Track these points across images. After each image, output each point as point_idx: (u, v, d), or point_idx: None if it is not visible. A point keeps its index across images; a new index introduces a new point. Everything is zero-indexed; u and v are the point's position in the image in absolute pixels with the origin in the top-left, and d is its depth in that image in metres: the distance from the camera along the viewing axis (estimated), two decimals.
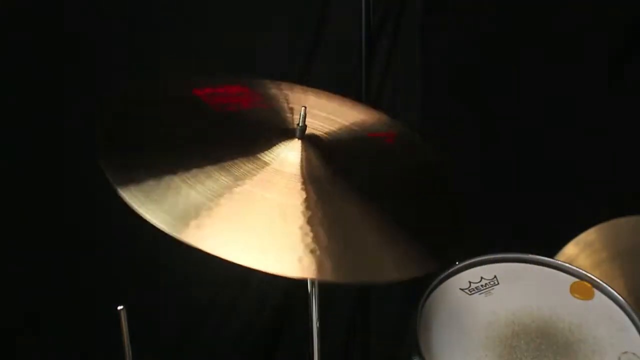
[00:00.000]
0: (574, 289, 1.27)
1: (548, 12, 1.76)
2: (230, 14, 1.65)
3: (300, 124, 1.07)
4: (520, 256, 1.34)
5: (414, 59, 1.74)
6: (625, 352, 1.16)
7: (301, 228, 0.93)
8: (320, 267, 0.89)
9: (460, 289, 1.28)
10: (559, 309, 1.23)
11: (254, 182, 0.98)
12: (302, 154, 1.05)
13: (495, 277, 1.30)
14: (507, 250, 1.34)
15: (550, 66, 1.81)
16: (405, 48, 1.73)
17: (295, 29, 1.69)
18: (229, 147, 1.04)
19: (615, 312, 1.23)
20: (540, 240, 1.73)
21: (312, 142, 1.08)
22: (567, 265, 1.31)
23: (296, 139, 1.07)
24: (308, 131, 1.09)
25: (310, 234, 0.93)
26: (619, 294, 1.25)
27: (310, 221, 0.95)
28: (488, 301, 1.25)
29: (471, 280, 1.29)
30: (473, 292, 1.27)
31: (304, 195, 0.99)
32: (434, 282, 1.27)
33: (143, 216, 0.89)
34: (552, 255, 1.40)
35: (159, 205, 0.91)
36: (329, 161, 1.07)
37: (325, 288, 1.11)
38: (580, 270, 1.30)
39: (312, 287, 1.10)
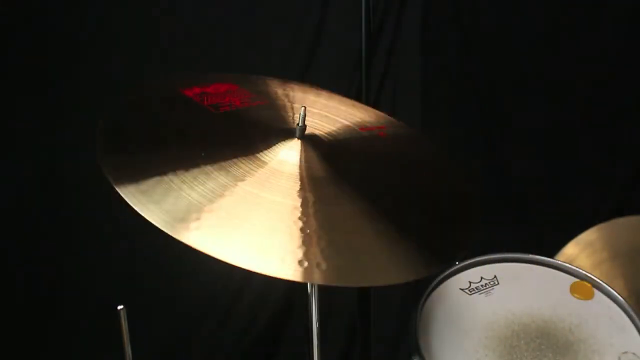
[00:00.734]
0: (574, 289, 1.27)
1: (548, 10, 1.76)
2: (231, 14, 1.65)
3: (299, 124, 1.07)
4: (520, 256, 1.33)
5: (414, 59, 1.74)
6: (625, 352, 1.16)
7: (300, 230, 0.93)
8: (319, 270, 0.89)
9: (460, 289, 1.28)
10: (559, 309, 1.23)
11: (253, 182, 0.98)
12: (301, 154, 1.05)
13: (495, 277, 1.30)
14: (507, 250, 1.34)
15: (551, 66, 1.81)
16: (405, 48, 1.73)
17: (296, 29, 1.69)
18: (227, 146, 1.04)
19: (615, 312, 1.23)
20: (540, 240, 1.74)
21: (311, 142, 1.08)
22: (567, 265, 1.31)
23: (296, 139, 1.07)
24: (307, 130, 1.09)
25: (310, 236, 0.92)
26: (619, 294, 1.25)
27: (309, 223, 0.94)
28: (488, 301, 1.25)
29: (471, 280, 1.29)
30: (473, 292, 1.27)
31: (303, 196, 0.98)
32: (434, 282, 1.27)
33: (144, 217, 0.89)
34: (552, 255, 1.40)
35: (159, 206, 0.90)
36: (328, 161, 1.06)
37: (325, 289, 1.10)
38: (580, 270, 1.30)
39: (311, 289, 1.10)
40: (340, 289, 1.72)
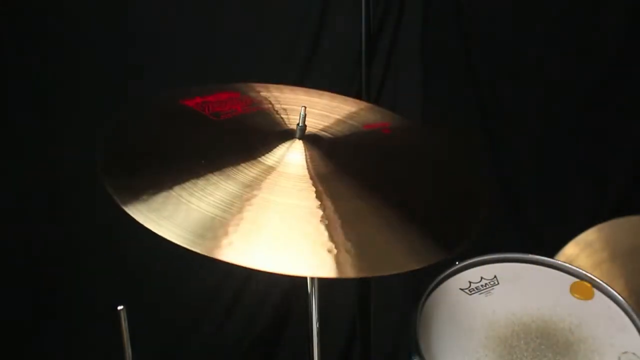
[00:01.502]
0: (574, 289, 1.27)
1: (548, 9, 1.76)
2: (231, 14, 1.65)
3: (300, 124, 1.07)
4: (520, 256, 1.33)
5: (414, 59, 1.74)
6: (625, 352, 1.16)
7: (319, 228, 0.93)
8: (353, 263, 0.89)
9: (460, 289, 1.28)
10: (559, 309, 1.23)
11: (266, 189, 0.98)
12: (305, 154, 1.05)
13: (495, 277, 1.30)
14: (507, 250, 1.34)
15: (551, 65, 1.81)
16: (405, 48, 1.73)
17: (296, 30, 1.69)
18: (230, 154, 1.03)
19: (615, 312, 1.23)
20: (540, 240, 1.74)
21: (312, 141, 1.08)
22: (567, 265, 1.31)
23: (296, 139, 1.07)
24: (310, 131, 1.09)
25: (329, 233, 0.93)
26: (619, 294, 1.25)
27: (325, 220, 0.94)
28: (488, 301, 1.25)
29: (471, 280, 1.29)
30: (473, 292, 1.27)
31: (316, 195, 0.98)
32: (434, 282, 1.27)
33: (165, 237, 0.88)
34: (552, 255, 1.40)
35: (174, 222, 0.90)
36: (331, 158, 1.06)
37: (325, 288, 1.11)
38: (580, 270, 1.30)
39: (312, 287, 1.10)
40: (340, 288, 1.72)
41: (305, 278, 1.10)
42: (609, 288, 1.26)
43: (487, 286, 1.28)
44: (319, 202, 0.97)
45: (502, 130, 1.85)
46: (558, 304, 1.24)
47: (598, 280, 1.27)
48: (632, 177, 1.92)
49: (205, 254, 0.88)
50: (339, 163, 1.06)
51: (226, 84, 1.23)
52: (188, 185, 0.96)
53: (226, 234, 0.90)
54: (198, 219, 0.92)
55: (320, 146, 1.08)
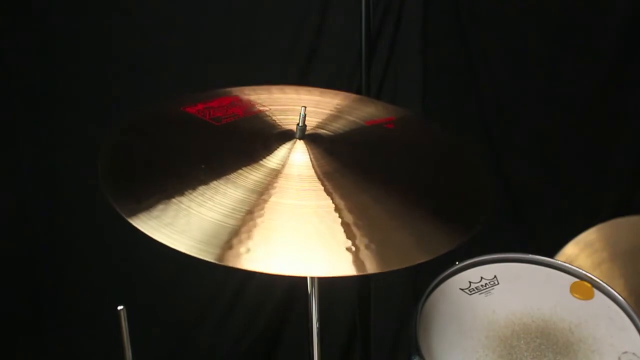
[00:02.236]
0: (574, 289, 1.27)
1: (549, 9, 1.76)
2: (231, 14, 1.65)
3: (300, 124, 1.07)
4: (520, 256, 1.33)
5: (414, 59, 1.74)
6: (625, 352, 1.16)
7: (333, 227, 0.93)
8: (364, 261, 0.89)
9: (460, 289, 1.28)
10: (559, 309, 1.23)
11: (274, 193, 0.97)
12: (309, 154, 1.05)
13: (495, 277, 1.30)
14: (507, 250, 1.34)
15: (551, 64, 1.81)
16: (405, 48, 1.73)
17: (296, 29, 1.69)
18: (230, 159, 1.03)
19: (615, 312, 1.23)
20: (540, 240, 1.74)
21: (314, 140, 1.08)
22: (567, 265, 1.31)
23: (297, 140, 1.06)
24: (312, 130, 1.09)
25: (345, 231, 0.92)
26: (619, 294, 1.25)
27: (339, 218, 0.94)
28: (488, 301, 1.25)
29: (471, 280, 1.29)
30: (473, 292, 1.27)
31: (325, 194, 0.98)
32: (434, 282, 1.27)
33: (175, 247, 0.88)
34: (552, 255, 1.40)
35: (174, 228, 0.90)
36: (335, 156, 1.06)
37: (325, 288, 1.11)
38: (580, 270, 1.30)
39: (312, 287, 1.10)
40: (340, 288, 1.72)
41: (306, 277, 1.10)
42: (609, 288, 1.26)
43: (487, 286, 1.28)
44: (330, 200, 0.97)
45: (502, 130, 1.85)
46: (558, 304, 1.24)
47: (598, 280, 1.27)
48: (632, 177, 1.92)
49: (224, 264, 0.87)
50: (343, 160, 1.06)
51: (227, 89, 1.22)
52: (195, 193, 0.95)
53: (241, 241, 0.89)
54: (209, 227, 0.91)
55: (323, 145, 1.07)
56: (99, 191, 0.95)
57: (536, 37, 1.78)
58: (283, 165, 1.02)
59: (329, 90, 1.27)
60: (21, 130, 1.61)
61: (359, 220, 0.94)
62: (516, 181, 1.89)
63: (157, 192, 0.95)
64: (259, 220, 0.92)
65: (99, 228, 1.63)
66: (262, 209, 0.94)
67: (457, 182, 1.11)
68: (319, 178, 1.01)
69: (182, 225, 0.91)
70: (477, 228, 0.99)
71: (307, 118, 1.07)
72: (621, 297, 1.24)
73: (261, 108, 1.17)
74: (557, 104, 1.85)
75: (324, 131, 1.13)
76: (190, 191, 0.95)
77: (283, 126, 1.12)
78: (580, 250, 1.57)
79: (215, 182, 0.97)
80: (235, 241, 0.89)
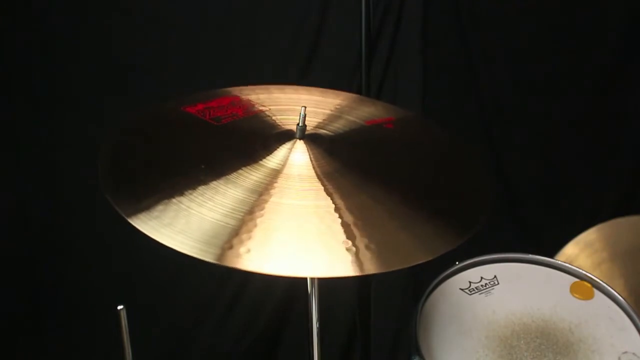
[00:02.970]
0: (574, 289, 1.27)
1: (549, 9, 1.76)
2: (231, 14, 1.65)
3: (300, 124, 1.07)
4: (520, 256, 1.33)
5: (414, 59, 1.74)
6: (625, 352, 1.16)
7: (333, 227, 0.93)
8: (364, 261, 0.89)
9: (460, 289, 1.28)
10: (559, 309, 1.23)
11: (274, 193, 0.97)
12: (309, 154, 1.05)
13: (495, 277, 1.30)
14: (507, 250, 1.34)
15: (551, 64, 1.81)
16: (405, 48, 1.73)
17: (296, 29, 1.69)
18: (231, 158, 1.02)
19: (615, 312, 1.23)
20: (540, 240, 1.74)
21: (313, 140, 1.08)
22: (567, 265, 1.31)
23: (297, 140, 1.06)
24: (312, 130, 1.09)
25: (345, 231, 0.92)
26: (619, 294, 1.25)
27: (339, 218, 0.94)
28: (488, 301, 1.25)
29: (471, 280, 1.29)
30: (473, 292, 1.27)
31: (325, 194, 0.98)
32: (434, 282, 1.27)
33: (175, 248, 0.88)
34: (552, 255, 1.40)
35: (173, 229, 0.90)
36: (335, 156, 1.06)
37: (325, 288, 1.11)
38: (580, 270, 1.30)
39: (312, 287, 1.10)
40: (340, 288, 1.72)
41: (306, 278, 1.10)
42: (609, 288, 1.26)
43: (487, 286, 1.28)
44: (330, 201, 0.97)
45: (502, 130, 1.85)
46: (558, 304, 1.24)
47: (598, 280, 1.27)
48: (632, 177, 1.92)
49: (224, 264, 0.87)
50: (343, 160, 1.06)
51: (227, 89, 1.22)
52: (195, 194, 0.95)
53: (241, 241, 0.89)
54: (209, 228, 0.91)
55: (323, 145, 1.07)
56: (99, 191, 0.95)
57: (536, 37, 1.78)
58: (283, 165, 1.02)
59: (329, 90, 1.27)
60: (21, 130, 1.61)
61: (359, 221, 0.94)
62: (516, 181, 1.89)
63: (157, 192, 0.95)
64: (259, 221, 0.92)
65: (99, 228, 1.63)
66: (262, 209, 0.94)
67: (457, 182, 1.11)
68: (319, 178, 1.01)
69: (182, 226, 0.90)
70: (477, 228, 0.99)
71: (307, 118, 1.07)
72: (621, 297, 1.24)
73: (261, 108, 1.17)
74: (557, 104, 1.85)
75: (324, 131, 1.13)
76: (190, 191, 0.95)
77: (283, 126, 1.12)
78: (580, 250, 1.57)
79: (215, 182, 0.97)
80: (235, 241, 0.89)
